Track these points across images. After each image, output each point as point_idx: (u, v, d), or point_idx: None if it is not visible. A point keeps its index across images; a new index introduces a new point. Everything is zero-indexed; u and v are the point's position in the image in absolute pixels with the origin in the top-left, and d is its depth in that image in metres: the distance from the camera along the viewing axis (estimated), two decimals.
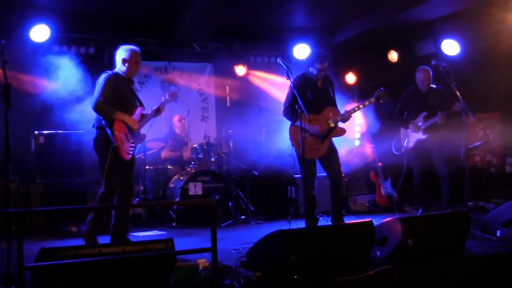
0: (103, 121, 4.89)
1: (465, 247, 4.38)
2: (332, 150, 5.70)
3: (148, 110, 5.33)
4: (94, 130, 5.03)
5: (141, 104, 5.28)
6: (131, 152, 5.04)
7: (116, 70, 5.11)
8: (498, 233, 4.88)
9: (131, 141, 5.05)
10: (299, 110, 4.98)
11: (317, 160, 5.75)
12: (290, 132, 5.66)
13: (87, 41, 7.63)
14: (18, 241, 2.93)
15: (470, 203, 6.71)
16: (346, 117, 5.64)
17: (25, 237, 2.97)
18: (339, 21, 8.40)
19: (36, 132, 6.74)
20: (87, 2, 6.96)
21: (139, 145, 5.35)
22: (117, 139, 4.83)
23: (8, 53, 3.93)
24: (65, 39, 7.43)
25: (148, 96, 8.32)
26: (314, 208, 5.65)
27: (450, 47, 7.91)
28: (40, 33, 6.90)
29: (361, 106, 5.77)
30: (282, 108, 5.70)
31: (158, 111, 5.38)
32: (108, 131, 4.86)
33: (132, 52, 5.10)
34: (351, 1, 7.40)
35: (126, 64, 5.07)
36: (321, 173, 6.03)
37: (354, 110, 5.69)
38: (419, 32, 8.28)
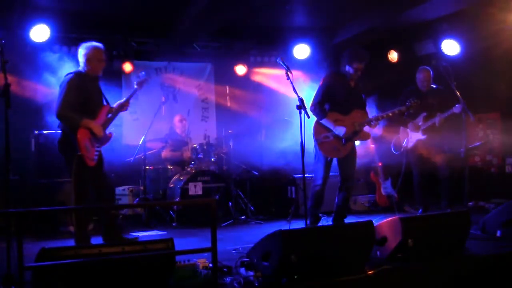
0: (67, 127, 4.81)
1: (465, 247, 4.39)
2: (353, 153, 5.64)
3: (114, 104, 5.24)
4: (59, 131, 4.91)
5: (108, 102, 5.18)
6: (96, 158, 4.92)
7: (80, 69, 4.99)
8: (498, 233, 4.88)
9: (96, 146, 4.93)
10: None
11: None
12: (314, 129, 5.59)
13: (87, 41, 7.61)
14: (18, 241, 2.93)
15: (470, 203, 6.71)
16: (374, 122, 5.57)
17: (25, 237, 2.97)
18: (339, 21, 8.40)
19: (36, 132, 6.74)
20: (87, 2, 6.96)
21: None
22: (81, 148, 4.73)
23: (8, 53, 3.93)
24: (65, 39, 7.43)
25: (148, 96, 8.36)
26: (320, 206, 5.64)
27: (450, 47, 7.91)
28: (40, 33, 6.90)
29: (390, 114, 5.71)
30: (310, 103, 5.54)
31: (123, 106, 5.24)
32: (72, 137, 4.75)
33: (95, 49, 4.98)
34: (351, 1, 7.40)
35: (89, 63, 4.94)
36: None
37: (382, 117, 5.64)
38: (419, 32, 8.28)
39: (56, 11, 6.87)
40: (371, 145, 7.99)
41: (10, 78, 3.85)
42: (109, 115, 5.16)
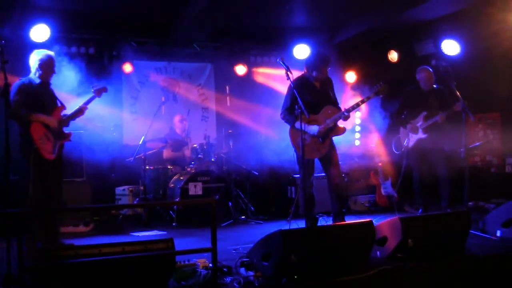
0: (21, 127, 4.89)
1: (465, 247, 4.39)
2: (332, 149, 5.68)
3: (70, 110, 5.30)
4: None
5: (62, 104, 5.27)
6: (55, 151, 5.02)
7: (31, 75, 5.11)
8: (498, 233, 4.88)
9: (53, 140, 5.03)
10: (299, 110, 4.97)
11: (316, 160, 5.74)
12: (290, 135, 5.64)
13: (87, 41, 7.63)
14: (18, 241, 2.93)
15: (470, 203, 6.70)
16: (346, 114, 5.56)
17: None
18: (339, 21, 8.40)
19: None
20: (87, 2, 6.97)
21: (58, 144, 5.19)
22: (35, 140, 4.83)
23: (8, 53, 3.93)
24: (65, 39, 7.43)
25: (148, 96, 8.36)
26: (313, 207, 5.66)
27: (450, 47, 7.91)
28: (40, 33, 6.89)
29: (360, 103, 5.68)
30: (280, 112, 5.69)
31: (80, 111, 5.32)
32: (28, 135, 4.84)
33: (49, 59, 5.15)
34: (351, 1, 7.40)
35: (41, 69, 5.09)
36: (321, 172, 6.02)
37: (353, 107, 5.63)
38: (419, 32, 8.28)
39: (56, 11, 6.87)
40: (371, 145, 8.00)
41: (10, 78, 3.85)
42: (64, 116, 5.23)
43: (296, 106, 5.03)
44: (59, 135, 5.14)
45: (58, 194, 5.17)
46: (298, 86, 5.47)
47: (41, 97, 5.08)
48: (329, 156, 5.63)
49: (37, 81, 5.10)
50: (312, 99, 5.56)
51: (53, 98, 5.26)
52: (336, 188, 5.65)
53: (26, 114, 4.85)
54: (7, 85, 3.79)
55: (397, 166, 7.15)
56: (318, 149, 5.56)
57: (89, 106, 5.39)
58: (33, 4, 6.73)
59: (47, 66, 5.12)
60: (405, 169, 6.75)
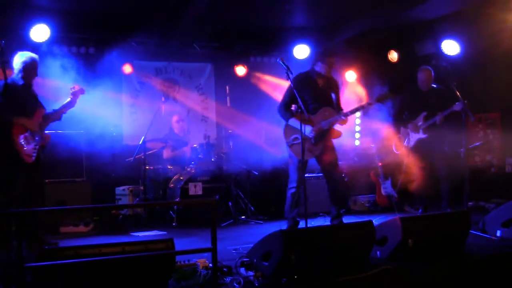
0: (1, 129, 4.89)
1: (465, 247, 4.39)
2: (328, 150, 5.51)
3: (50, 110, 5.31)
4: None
5: (43, 107, 5.29)
6: (34, 154, 5.02)
7: (13, 76, 5.11)
8: (498, 233, 4.88)
9: (33, 143, 5.03)
10: (299, 110, 4.94)
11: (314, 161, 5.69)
12: (284, 131, 5.55)
13: (87, 41, 7.63)
14: (18, 241, 2.93)
15: (470, 203, 6.71)
16: (344, 118, 5.46)
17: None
18: (339, 21, 8.39)
19: None
20: (87, 2, 6.96)
21: (39, 146, 5.17)
22: (16, 143, 4.84)
23: (8, 53, 3.94)
24: (65, 39, 7.43)
25: (148, 96, 8.36)
26: (296, 209, 5.53)
27: (450, 47, 7.91)
28: (40, 33, 6.89)
29: (360, 108, 5.58)
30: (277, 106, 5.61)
31: (56, 113, 5.33)
32: (7, 137, 4.82)
33: (33, 61, 5.17)
34: (351, 1, 7.40)
35: (24, 71, 5.11)
36: (320, 172, 6.01)
37: (352, 112, 5.52)
38: (419, 32, 8.28)
39: (56, 11, 6.86)
40: (371, 145, 8.00)
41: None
42: (45, 118, 5.24)
43: (295, 106, 5.00)
44: (38, 138, 5.12)
45: (42, 195, 5.15)
46: (299, 82, 5.38)
47: (23, 98, 5.10)
48: (325, 157, 5.50)
49: (20, 82, 5.12)
50: (310, 97, 5.45)
51: (34, 100, 5.27)
52: (333, 183, 5.54)
53: (8, 117, 4.85)
54: (8, 85, 3.79)
55: (397, 166, 7.15)
56: (310, 150, 5.40)
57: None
58: (33, 4, 6.72)
59: (30, 69, 5.14)
60: (405, 169, 6.76)
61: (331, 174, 5.56)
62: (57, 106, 5.34)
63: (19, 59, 5.14)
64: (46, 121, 5.26)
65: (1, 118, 4.85)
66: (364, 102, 5.63)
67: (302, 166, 5.42)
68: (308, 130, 5.34)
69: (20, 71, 5.12)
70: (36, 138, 5.08)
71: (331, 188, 5.57)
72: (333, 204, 5.57)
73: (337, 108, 5.63)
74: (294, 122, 5.42)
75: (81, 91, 5.48)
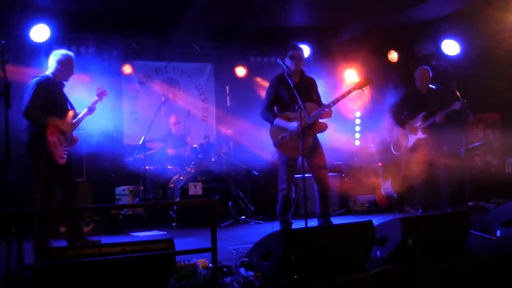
0: (36, 127, 4.88)
1: (465, 247, 4.39)
2: (315, 146, 5.47)
3: (81, 111, 5.32)
4: (26, 135, 4.94)
5: (73, 107, 5.28)
6: (65, 156, 5.01)
7: (48, 73, 5.11)
8: (498, 233, 4.88)
9: (64, 145, 5.03)
10: (299, 110, 4.92)
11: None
12: (271, 133, 5.51)
13: (87, 41, 7.63)
14: (18, 241, 2.93)
15: (470, 203, 6.70)
16: (327, 110, 5.35)
17: (25, 237, 2.97)
18: (339, 21, 8.39)
19: None
20: (87, 2, 6.96)
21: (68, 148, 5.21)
22: (50, 144, 4.82)
23: (8, 53, 3.93)
24: (65, 39, 7.43)
25: (148, 96, 8.36)
26: (288, 210, 5.49)
27: (450, 47, 7.92)
28: (40, 33, 6.90)
29: (340, 98, 5.43)
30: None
31: (90, 111, 5.34)
32: (40, 137, 4.83)
33: (69, 58, 5.16)
34: (351, 1, 7.40)
35: (60, 68, 5.10)
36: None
37: (333, 102, 5.40)
38: (419, 32, 8.29)
39: (56, 11, 6.87)
40: (371, 145, 7.99)
41: (10, 78, 3.85)
42: (74, 120, 5.22)
43: (296, 106, 4.99)
44: (70, 139, 5.14)
45: (74, 195, 5.16)
46: (276, 84, 5.43)
47: (55, 97, 5.07)
48: (312, 154, 5.44)
49: (53, 81, 5.08)
50: (288, 96, 5.39)
51: (64, 100, 5.24)
52: (319, 182, 5.47)
53: (43, 117, 4.85)
54: (8, 85, 3.79)
55: (397, 166, 7.15)
56: (298, 147, 5.27)
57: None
58: (33, 4, 6.73)
59: (65, 67, 5.12)
60: (405, 169, 6.76)
61: (319, 171, 5.47)
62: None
63: (55, 57, 5.11)
64: (79, 121, 5.24)
65: (36, 116, 4.85)
66: (344, 92, 5.50)
67: (293, 164, 5.39)
68: (294, 125, 5.30)
69: (56, 69, 5.09)
70: (67, 140, 5.08)
71: (319, 186, 5.49)
72: (319, 204, 5.51)
73: (318, 102, 5.56)
74: (279, 121, 5.41)
75: (105, 93, 5.49)
